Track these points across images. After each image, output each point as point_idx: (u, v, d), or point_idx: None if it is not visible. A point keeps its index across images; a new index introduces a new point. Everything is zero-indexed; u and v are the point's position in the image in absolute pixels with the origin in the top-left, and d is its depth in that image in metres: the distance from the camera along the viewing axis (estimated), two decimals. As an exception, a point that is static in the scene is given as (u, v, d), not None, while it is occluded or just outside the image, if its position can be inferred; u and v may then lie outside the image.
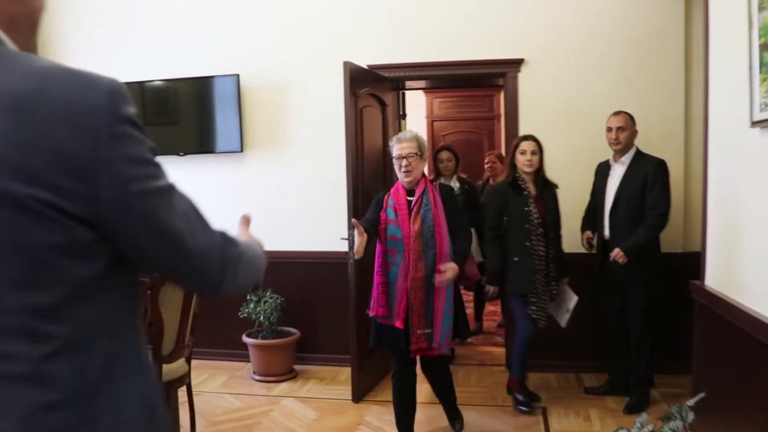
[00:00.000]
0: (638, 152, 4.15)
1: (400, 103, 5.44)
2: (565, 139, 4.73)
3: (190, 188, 1.14)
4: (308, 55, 4.99)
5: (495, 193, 4.25)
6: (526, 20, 4.75)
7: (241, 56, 5.06)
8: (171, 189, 1.04)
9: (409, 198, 3.55)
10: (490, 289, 4.21)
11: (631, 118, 4.14)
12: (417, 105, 8.56)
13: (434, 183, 3.63)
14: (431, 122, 9.08)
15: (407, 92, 5.66)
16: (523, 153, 4.09)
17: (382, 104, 4.80)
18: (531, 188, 4.11)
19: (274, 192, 5.11)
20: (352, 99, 4.19)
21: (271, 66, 5.04)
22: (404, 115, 5.52)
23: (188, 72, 5.06)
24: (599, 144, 4.27)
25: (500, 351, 5.50)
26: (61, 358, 0.96)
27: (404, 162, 3.49)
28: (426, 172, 3.75)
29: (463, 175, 5.54)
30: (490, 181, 5.82)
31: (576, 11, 4.70)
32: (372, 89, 4.56)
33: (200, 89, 5.03)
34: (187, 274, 1.10)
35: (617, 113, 4.16)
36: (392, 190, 3.61)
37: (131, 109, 0.98)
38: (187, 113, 5.09)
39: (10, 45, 0.99)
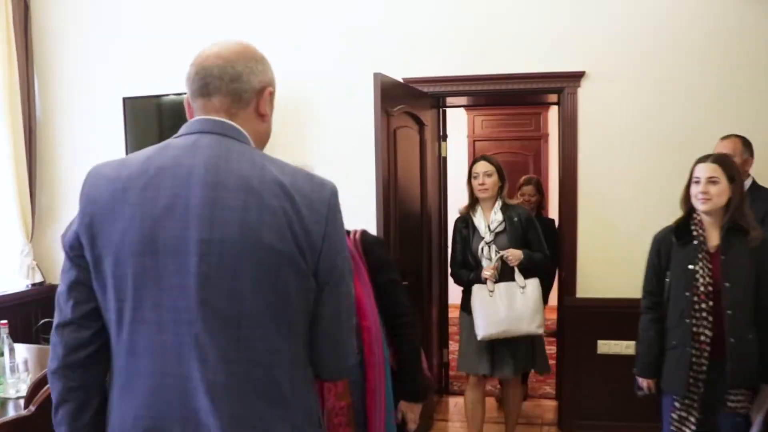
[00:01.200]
0: (755, 184, 3.44)
1: (441, 123, 4.82)
2: (634, 166, 4.05)
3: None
4: (334, 68, 4.38)
5: (655, 241, 2.93)
6: (589, 27, 4.09)
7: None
8: (351, 270, 1.47)
9: None
10: (643, 383, 2.89)
11: (745, 143, 3.46)
12: (457, 123, 7.90)
13: (352, 232, 2.34)
14: (473, 142, 8.43)
15: (446, 110, 5.04)
16: (697, 182, 2.74)
17: (420, 124, 4.17)
18: (710, 236, 2.75)
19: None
20: (384, 118, 3.57)
21: (292, 79, 4.40)
22: (445, 137, 4.89)
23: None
24: (677, 173, 3.56)
25: (551, 405, 4.79)
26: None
27: None
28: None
29: (513, 201, 3.99)
30: None
31: (648, 16, 4.03)
32: (408, 106, 3.93)
33: None
34: (332, 339, 1.42)
35: (726, 137, 3.49)
36: None
37: (339, 204, 1.40)
38: None
39: None
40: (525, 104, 7.27)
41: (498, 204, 3.77)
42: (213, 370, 1.28)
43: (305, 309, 1.36)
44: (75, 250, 1.35)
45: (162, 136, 4.42)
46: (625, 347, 4.01)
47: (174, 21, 4.57)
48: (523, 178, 5.15)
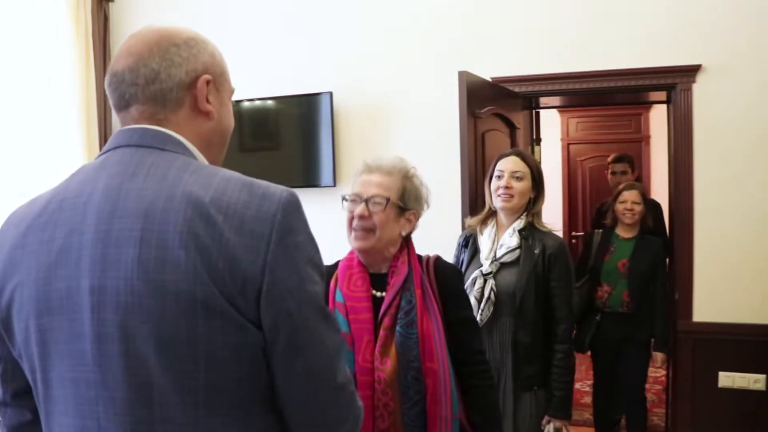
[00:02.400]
0: None
1: (534, 125, 4.42)
2: (760, 173, 3.52)
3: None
4: (415, 68, 4.03)
5: None
6: (705, 13, 3.58)
7: (334, 68, 4.17)
8: (324, 309, 1.05)
9: (376, 293, 1.87)
10: None
11: None
12: (550, 125, 7.49)
13: (425, 258, 1.96)
14: (567, 146, 7.95)
15: (539, 111, 4.63)
16: None
17: (511, 127, 3.79)
18: None
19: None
20: (471, 120, 3.21)
21: (370, 80, 4.11)
22: (539, 140, 4.49)
23: (274, 90, 4.24)
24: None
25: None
26: None
27: (360, 210, 1.85)
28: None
29: (546, 227, 2.66)
30: (619, 233, 3.84)
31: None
32: (497, 108, 3.56)
33: (297, 109, 4.18)
34: (319, 412, 1.05)
35: None
36: (341, 267, 1.93)
37: (302, 220, 1.03)
38: (287, 138, 4.25)
39: (201, 159, 1.11)
40: (625, 104, 6.71)
41: (519, 223, 2.62)
42: None
43: (251, 374, 1.00)
44: None
45: (240, 142, 4.26)
46: (753, 381, 3.49)
47: (250, 25, 4.37)
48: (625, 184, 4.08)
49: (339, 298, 1.86)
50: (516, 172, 2.62)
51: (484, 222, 2.72)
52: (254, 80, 4.27)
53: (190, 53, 1.10)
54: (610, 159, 4.98)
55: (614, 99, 5.26)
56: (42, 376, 1.03)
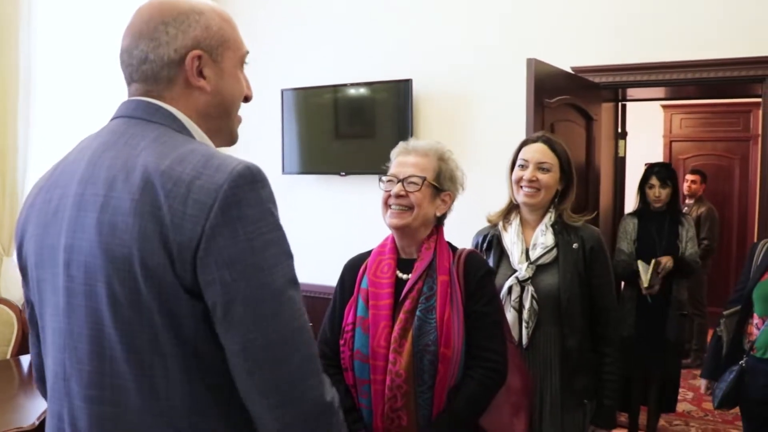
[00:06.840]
0: None
1: (619, 118, 4.28)
2: None
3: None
4: (494, 56, 3.98)
5: None
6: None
7: (413, 55, 4.20)
8: (270, 286, 1.01)
9: (400, 275, 1.90)
10: None
11: None
12: (652, 120, 7.18)
13: (459, 252, 1.95)
14: (669, 143, 7.57)
15: (639, 105, 4.46)
16: None
17: (588, 118, 3.68)
18: None
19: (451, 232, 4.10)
20: (539, 110, 3.13)
21: (448, 68, 4.11)
22: (624, 134, 4.33)
23: (351, 77, 4.33)
24: None
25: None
26: None
27: (396, 189, 1.89)
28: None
29: (579, 219, 2.36)
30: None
31: None
32: (572, 98, 3.46)
33: (391, 94, 4.19)
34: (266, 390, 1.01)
35: None
36: (374, 254, 1.98)
37: (256, 194, 1.02)
38: (383, 124, 4.23)
39: (197, 131, 1.14)
40: (726, 97, 6.26)
41: (548, 218, 2.32)
42: (77, 410, 1.07)
43: (193, 343, 1.01)
44: (18, 263, 1.24)
45: (337, 133, 4.35)
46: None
47: (335, 14, 4.48)
48: None
49: (364, 284, 1.91)
50: (542, 163, 2.29)
51: (506, 217, 2.40)
52: (339, 66, 4.38)
53: (179, 29, 1.12)
54: None
55: (710, 92, 4.96)
56: (41, 322, 1.16)
